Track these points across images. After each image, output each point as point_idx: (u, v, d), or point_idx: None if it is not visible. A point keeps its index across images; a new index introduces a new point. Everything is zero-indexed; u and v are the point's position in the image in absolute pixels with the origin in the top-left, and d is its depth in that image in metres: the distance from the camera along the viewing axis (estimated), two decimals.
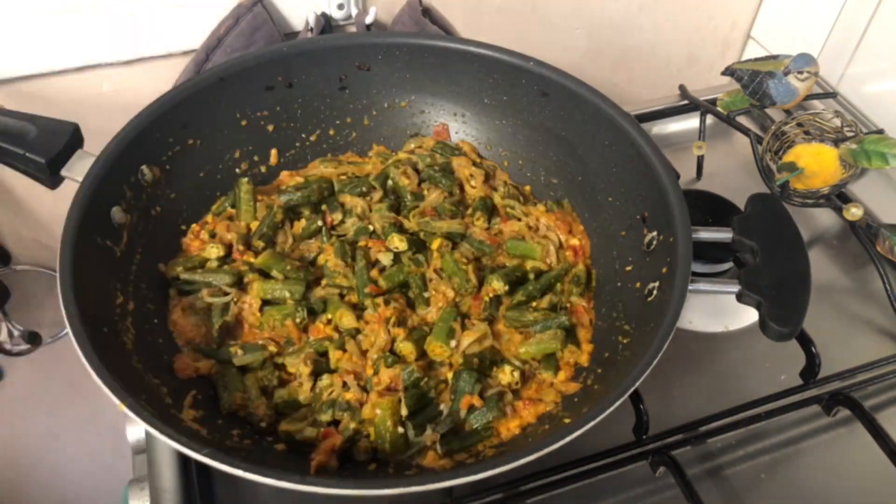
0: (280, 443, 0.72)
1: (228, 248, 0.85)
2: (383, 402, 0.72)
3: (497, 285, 0.84)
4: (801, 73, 1.05)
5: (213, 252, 0.84)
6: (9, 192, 1.12)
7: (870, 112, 1.20)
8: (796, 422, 0.83)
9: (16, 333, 1.04)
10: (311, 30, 1.06)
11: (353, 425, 0.72)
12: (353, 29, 1.12)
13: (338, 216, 0.89)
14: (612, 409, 0.61)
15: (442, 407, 0.75)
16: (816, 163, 0.97)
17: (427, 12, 1.09)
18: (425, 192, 0.93)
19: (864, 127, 1.17)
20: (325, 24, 1.07)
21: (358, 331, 0.80)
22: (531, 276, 0.86)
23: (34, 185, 0.77)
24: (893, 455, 0.76)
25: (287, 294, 0.80)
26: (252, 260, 0.84)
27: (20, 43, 0.97)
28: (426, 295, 0.83)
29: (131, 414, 0.59)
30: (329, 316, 0.81)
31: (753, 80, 1.09)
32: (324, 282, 0.84)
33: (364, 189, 0.92)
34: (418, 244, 0.88)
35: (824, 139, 1.01)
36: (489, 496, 0.73)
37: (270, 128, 0.93)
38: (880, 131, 1.14)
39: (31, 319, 1.17)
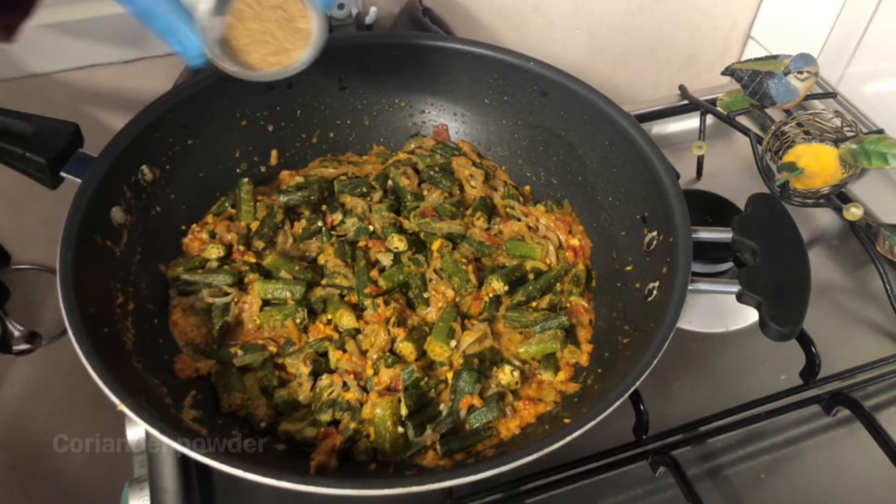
0: (280, 443, 0.72)
1: (228, 248, 0.85)
2: (383, 402, 0.72)
3: (497, 285, 0.84)
4: (801, 73, 1.05)
5: (214, 252, 0.84)
6: (9, 192, 1.12)
7: (870, 112, 1.20)
8: (796, 422, 0.83)
9: (16, 333, 1.04)
10: None
11: (353, 425, 0.72)
12: (353, 29, 1.12)
13: (338, 216, 0.89)
14: (612, 409, 0.62)
15: (442, 407, 0.75)
16: (816, 163, 0.97)
17: (427, 12, 1.10)
18: (425, 193, 0.93)
19: (864, 127, 1.17)
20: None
21: (358, 331, 0.80)
22: (531, 276, 0.86)
23: (34, 185, 0.77)
24: (893, 455, 0.76)
25: (287, 294, 0.81)
26: (252, 260, 0.84)
27: (20, 43, 0.97)
28: (426, 295, 0.83)
29: (131, 414, 0.59)
30: (329, 316, 0.81)
31: (753, 80, 1.09)
32: (324, 282, 0.84)
33: (364, 189, 0.92)
34: (418, 244, 0.88)
35: (824, 139, 1.01)
36: (489, 496, 0.73)
37: (270, 128, 0.93)
38: (880, 131, 1.14)
39: (31, 319, 1.17)
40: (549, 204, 0.94)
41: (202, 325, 0.79)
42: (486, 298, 0.83)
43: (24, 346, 1.02)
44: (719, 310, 0.93)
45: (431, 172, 0.95)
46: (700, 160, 1.12)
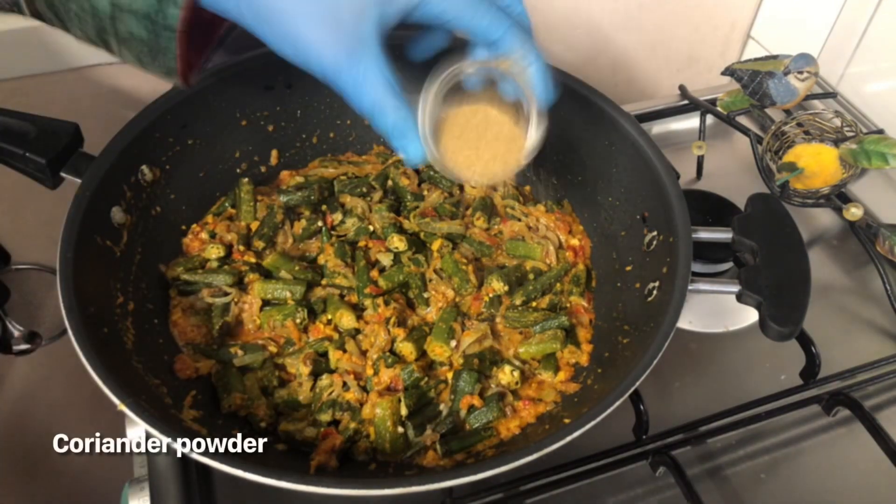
0: (280, 443, 0.72)
1: (228, 248, 0.85)
2: (383, 402, 0.72)
3: (497, 285, 0.84)
4: (801, 73, 1.05)
5: (214, 252, 0.84)
6: (9, 192, 1.12)
7: (870, 112, 1.20)
8: (796, 422, 0.83)
9: (16, 333, 1.04)
10: None
11: (353, 425, 0.72)
12: None
13: (338, 216, 0.89)
14: (611, 409, 0.61)
15: (442, 407, 0.75)
16: (816, 163, 0.97)
17: None
18: (425, 193, 0.93)
19: (864, 127, 1.17)
20: None
21: (358, 331, 0.80)
22: (531, 276, 0.86)
23: (34, 185, 0.77)
24: (893, 455, 0.76)
25: (288, 294, 0.81)
26: (252, 260, 0.84)
27: (20, 42, 0.97)
28: (426, 295, 0.83)
29: (131, 414, 0.59)
30: (329, 316, 0.81)
31: (753, 80, 1.09)
32: (324, 282, 0.84)
33: (364, 189, 0.92)
34: (418, 244, 0.88)
35: (824, 139, 1.01)
36: (489, 496, 0.73)
37: (270, 128, 0.93)
38: (880, 131, 1.14)
39: (31, 319, 1.17)
40: (549, 204, 0.94)
41: (202, 325, 0.79)
42: (486, 298, 0.83)
43: (24, 346, 1.02)
44: (719, 310, 0.93)
45: (431, 172, 0.95)
46: (700, 160, 1.12)
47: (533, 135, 0.67)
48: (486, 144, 0.67)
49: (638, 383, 0.64)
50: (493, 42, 0.62)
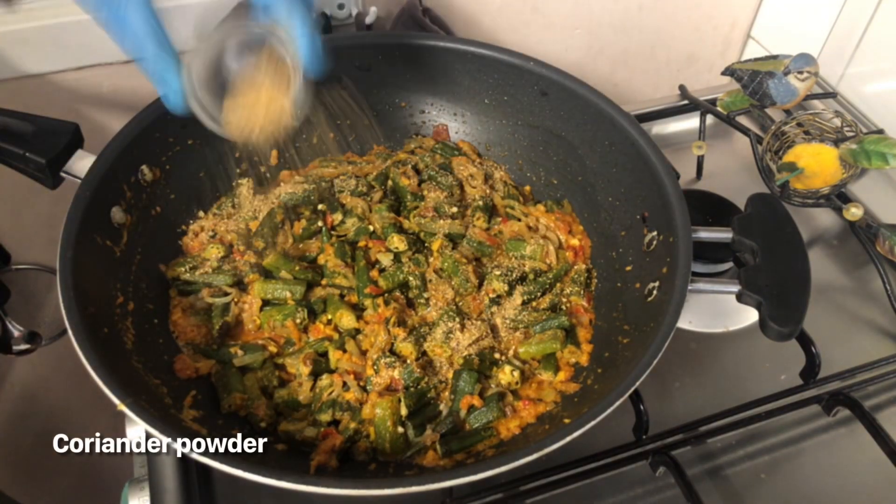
0: (280, 443, 0.72)
1: (228, 248, 0.85)
2: (383, 402, 0.72)
3: (497, 285, 0.84)
4: (801, 73, 1.05)
5: (214, 252, 0.84)
6: (9, 192, 1.12)
7: (870, 112, 1.20)
8: (796, 422, 0.83)
9: (16, 333, 1.04)
10: None
11: (353, 425, 0.72)
12: (353, 29, 1.12)
13: (338, 216, 0.89)
14: (611, 409, 0.62)
15: (442, 407, 0.75)
16: (816, 163, 0.97)
17: (427, 12, 1.10)
18: (425, 193, 0.93)
19: (864, 127, 1.17)
20: (325, 24, 1.07)
21: (358, 331, 0.80)
22: (531, 276, 0.86)
23: (34, 185, 0.77)
24: (893, 455, 0.76)
25: (287, 294, 0.81)
26: (252, 260, 0.84)
27: (20, 43, 0.97)
28: (426, 295, 0.83)
29: (131, 414, 0.59)
30: (329, 316, 0.81)
31: (753, 80, 1.09)
32: (324, 282, 0.84)
33: (364, 189, 0.92)
34: (418, 244, 0.88)
35: (824, 139, 1.01)
36: (489, 496, 0.73)
37: None
38: (880, 131, 1.14)
39: (31, 319, 1.17)
40: (549, 204, 0.94)
41: (202, 325, 0.79)
42: (486, 298, 0.83)
43: (24, 346, 1.02)
44: (719, 310, 0.93)
45: (431, 172, 0.95)
46: (700, 160, 1.12)
47: (291, 102, 0.67)
48: (258, 108, 0.67)
49: (638, 383, 0.64)
50: (265, 7, 0.62)
